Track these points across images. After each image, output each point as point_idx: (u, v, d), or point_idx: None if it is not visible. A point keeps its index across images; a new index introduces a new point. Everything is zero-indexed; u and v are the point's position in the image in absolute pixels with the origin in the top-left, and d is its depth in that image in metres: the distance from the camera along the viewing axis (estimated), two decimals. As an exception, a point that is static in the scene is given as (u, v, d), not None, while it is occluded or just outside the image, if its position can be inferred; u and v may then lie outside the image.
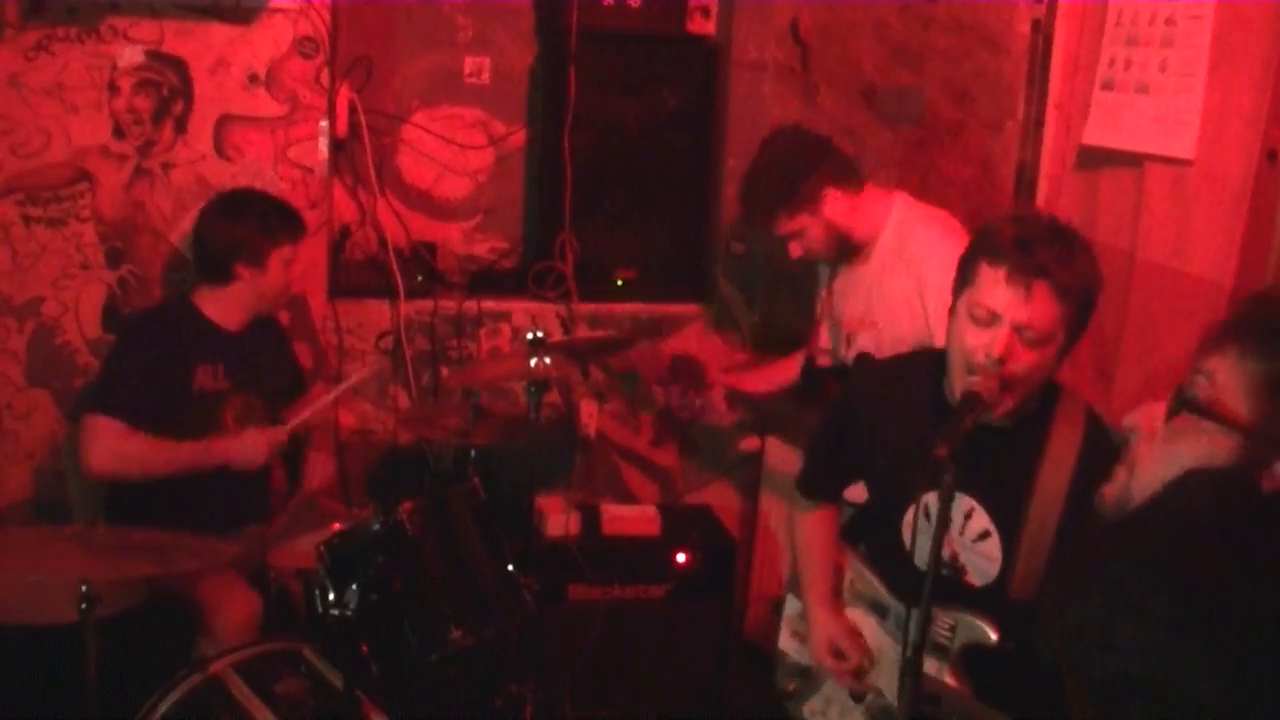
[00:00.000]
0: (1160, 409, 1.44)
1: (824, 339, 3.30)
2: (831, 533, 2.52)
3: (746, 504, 4.05)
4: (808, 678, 2.51)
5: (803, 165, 2.97)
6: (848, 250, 3.07)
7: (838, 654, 2.37)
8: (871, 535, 2.50)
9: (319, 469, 3.38)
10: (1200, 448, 1.35)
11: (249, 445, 3.08)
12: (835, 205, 2.98)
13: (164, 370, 3.06)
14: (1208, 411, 1.35)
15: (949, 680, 2.13)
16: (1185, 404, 1.38)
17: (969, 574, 2.22)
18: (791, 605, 2.58)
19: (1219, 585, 0.91)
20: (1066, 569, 1.01)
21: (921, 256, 2.90)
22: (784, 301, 3.94)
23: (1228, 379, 1.35)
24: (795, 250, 3.07)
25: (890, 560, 2.34)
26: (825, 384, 3.21)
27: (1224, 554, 0.92)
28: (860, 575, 2.42)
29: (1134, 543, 0.98)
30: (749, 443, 3.98)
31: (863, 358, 3.04)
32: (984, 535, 2.18)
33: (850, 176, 3.01)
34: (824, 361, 3.28)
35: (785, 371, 3.45)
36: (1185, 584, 0.92)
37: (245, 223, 3.12)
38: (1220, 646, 0.88)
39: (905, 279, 2.92)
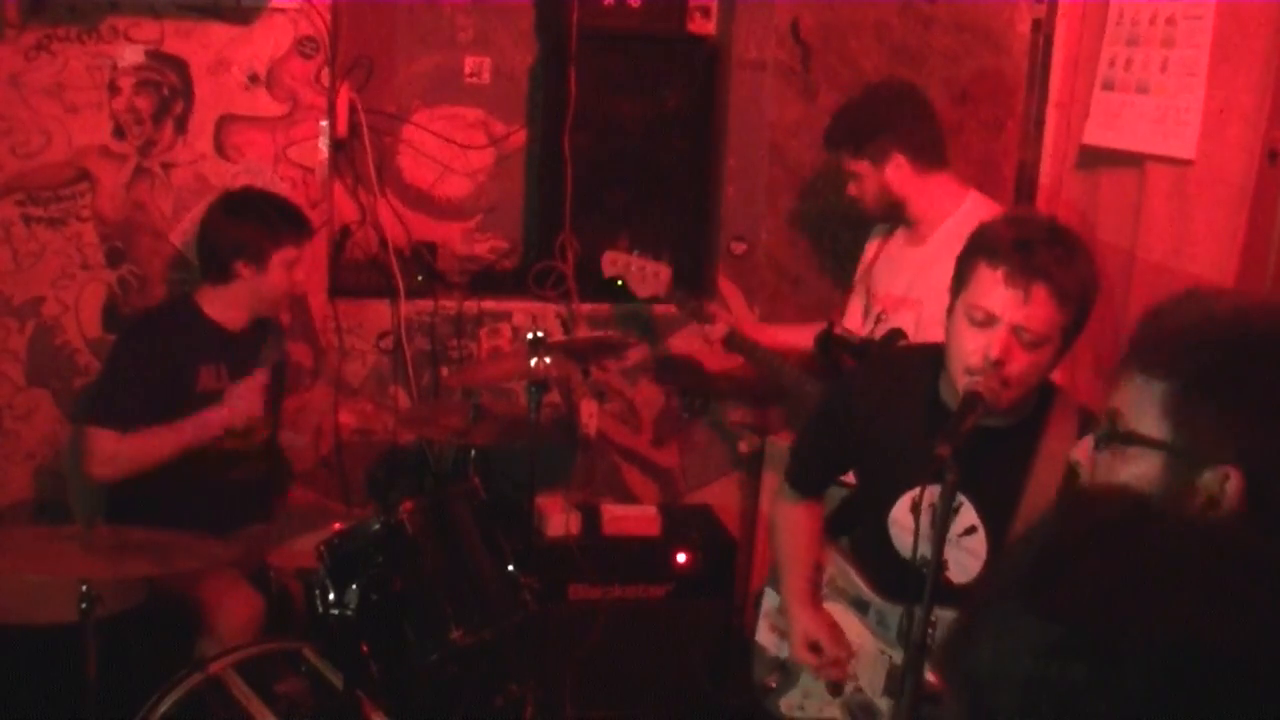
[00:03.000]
0: None
1: (851, 317, 3.29)
2: (815, 528, 2.51)
3: (746, 504, 4.05)
4: (786, 672, 2.50)
5: (885, 120, 3.01)
6: (899, 218, 3.08)
7: (816, 650, 2.36)
8: (856, 529, 2.50)
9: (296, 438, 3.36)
10: (1130, 475, 1.34)
11: (240, 399, 3.04)
12: (898, 172, 3.00)
13: (166, 372, 3.06)
14: (1127, 437, 1.34)
15: (930, 679, 2.13)
16: (1104, 437, 1.38)
17: (951, 570, 2.21)
18: (770, 599, 2.57)
19: (1099, 607, 0.90)
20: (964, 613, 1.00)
21: None
22: (785, 301, 3.94)
23: (1138, 404, 1.35)
24: (851, 189, 3.12)
25: (874, 555, 2.34)
26: (840, 357, 3.18)
27: (1101, 572, 0.92)
28: (841, 571, 2.42)
29: (1015, 576, 0.97)
30: (749, 442, 3.99)
31: (895, 334, 3.03)
32: (970, 530, 2.18)
33: (927, 154, 3.01)
34: (837, 332, 3.26)
35: (795, 335, 3.44)
36: (1068, 610, 0.91)
37: (249, 221, 3.11)
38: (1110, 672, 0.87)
39: None
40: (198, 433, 3.02)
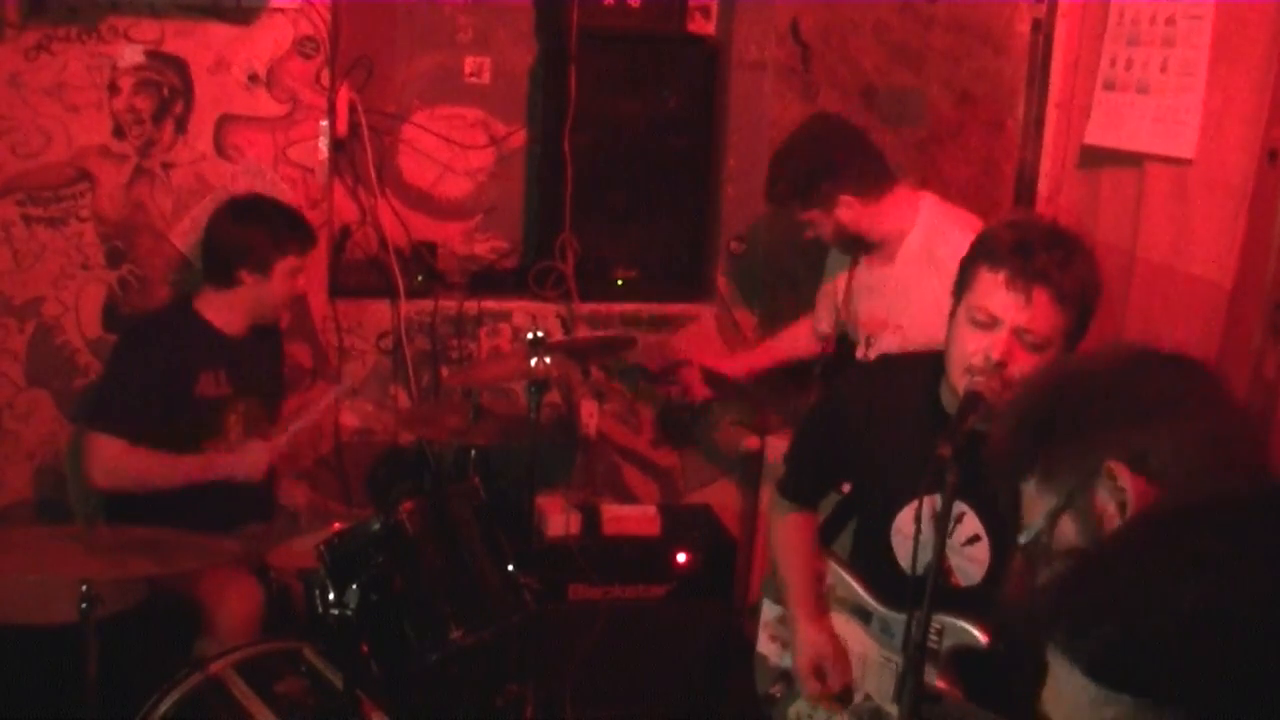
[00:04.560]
0: None
1: (823, 324, 3.33)
2: (812, 539, 2.49)
3: (746, 504, 4.04)
4: (790, 681, 2.48)
5: (824, 168, 2.99)
6: (862, 246, 3.09)
7: (820, 674, 2.34)
8: (856, 538, 2.49)
9: (298, 499, 3.38)
10: (1064, 551, 1.46)
11: (250, 461, 3.10)
12: (849, 211, 3.00)
13: (165, 378, 3.06)
14: (1038, 535, 1.48)
15: (938, 684, 2.13)
16: (1028, 553, 1.50)
17: (954, 576, 2.22)
18: (769, 610, 2.55)
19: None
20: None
21: (954, 258, 2.88)
22: (784, 301, 3.94)
23: (1029, 504, 1.49)
24: (808, 234, 3.13)
25: (874, 564, 2.33)
26: None
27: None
28: (841, 580, 2.40)
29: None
30: (749, 442, 3.98)
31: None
32: (974, 539, 2.18)
33: (873, 184, 3.00)
34: (821, 349, 3.30)
35: (759, 357, 3.49)
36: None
37: (255, 229, 3.12)
38: None
39: (936, 281, 2.87)
40: (201, 473, 3.06)
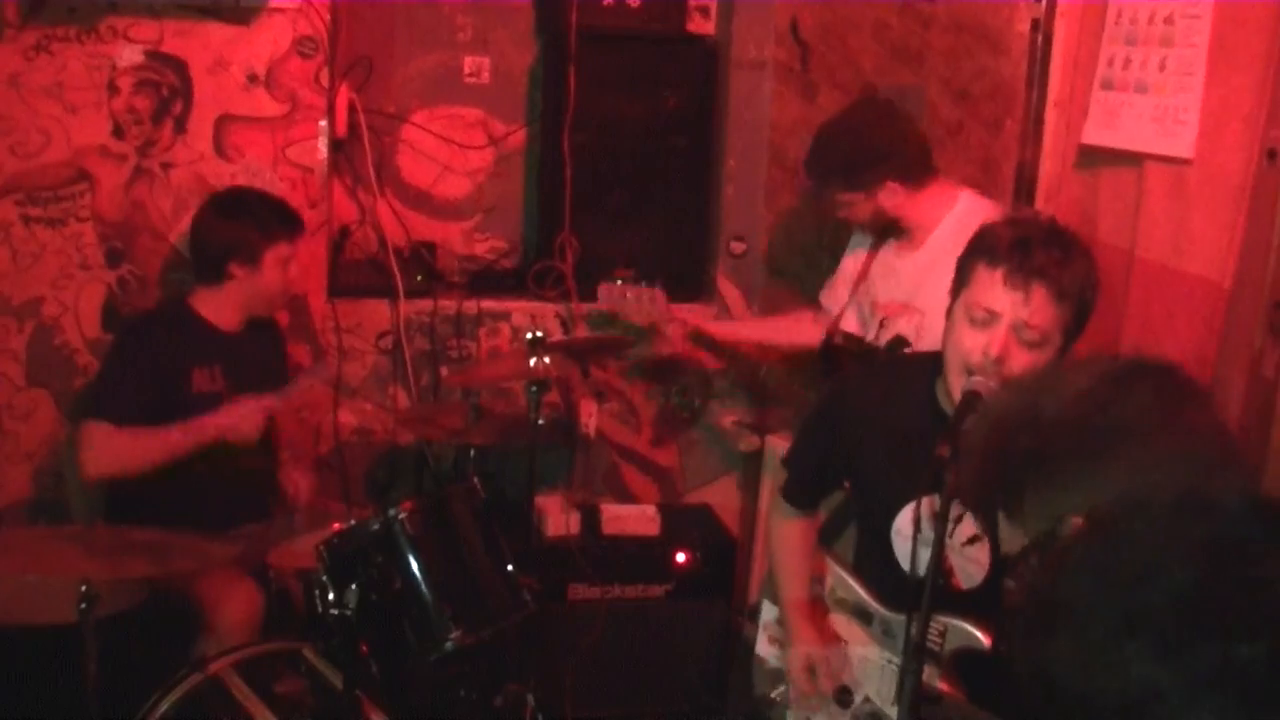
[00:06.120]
0: None
1: (849, 322, 3.28)
2: (811, 542, 2.50)
3: (746, 504, 4.05)
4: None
5: (872, 153, 2.97)
6: (894, 231, 3.07)
7: (811, 673, 2.34)
8: (858, 541, 2.49)
9: (302, 486, 3.30)
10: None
11: (242, 416, 3.03)
12: (890, 196, 2.98)
13: (160, 375, 3.05)
14: (1018, 559, 1.50)
15: (941, 686, 2.13)
16: (1013, 578, 1.56)
17: (955, 577, 2.22)
18: (768, 611, 2.55)
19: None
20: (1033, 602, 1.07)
21: None
22: (784, 301, 3.94)
23: (1008, 536, 1.54)
24: (841, 214, 3.10)
25: (876, 566, 2.33)
26: (846, 365, 3.18)
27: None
28: (841, 582, 2.40)
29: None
30: (749, 442, 3.98)
31: (899, 342, 3.03)
32: (973, 540, 2.18)
33: (917, 173, 2.99)
34: (839, 341, 3.27)
35: (778, 326, 3.46)
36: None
37: (240, 221, 3.11)
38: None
39: None
40: (191, 437, 2.99)
